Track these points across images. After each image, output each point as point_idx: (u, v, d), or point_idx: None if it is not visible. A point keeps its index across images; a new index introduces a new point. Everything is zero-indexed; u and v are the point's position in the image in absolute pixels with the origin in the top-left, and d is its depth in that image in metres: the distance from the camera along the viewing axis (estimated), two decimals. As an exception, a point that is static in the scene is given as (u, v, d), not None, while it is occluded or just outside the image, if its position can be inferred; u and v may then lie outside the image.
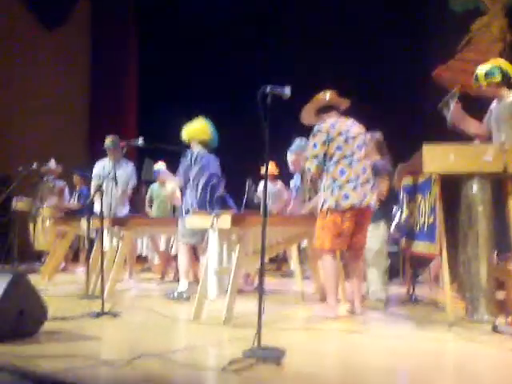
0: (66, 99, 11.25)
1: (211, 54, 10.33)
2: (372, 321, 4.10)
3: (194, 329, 3.83)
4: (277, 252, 5.19)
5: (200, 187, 5.22)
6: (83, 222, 5.59)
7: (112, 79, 11.56)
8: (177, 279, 6.97)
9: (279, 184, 8.12)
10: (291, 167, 6.88)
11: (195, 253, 5.51)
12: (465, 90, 6.11)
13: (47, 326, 3.48)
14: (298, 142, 5.80)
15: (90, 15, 12.06)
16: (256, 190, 7.93)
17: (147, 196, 8.15)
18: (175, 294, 5.11)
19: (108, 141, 6.26)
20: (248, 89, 3.66)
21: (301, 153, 5.75)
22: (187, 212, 5.20)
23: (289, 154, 6.87)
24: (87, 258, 8.32)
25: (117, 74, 11.63)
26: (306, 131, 4.27)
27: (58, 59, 11.15)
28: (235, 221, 3.85)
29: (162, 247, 7.54)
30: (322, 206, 4.21)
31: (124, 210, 6.37)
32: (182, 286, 5.15)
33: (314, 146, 4.17)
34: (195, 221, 4.19)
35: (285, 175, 7.36)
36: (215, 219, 3.90)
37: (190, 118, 5.55)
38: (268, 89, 3.01)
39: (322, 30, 9.20)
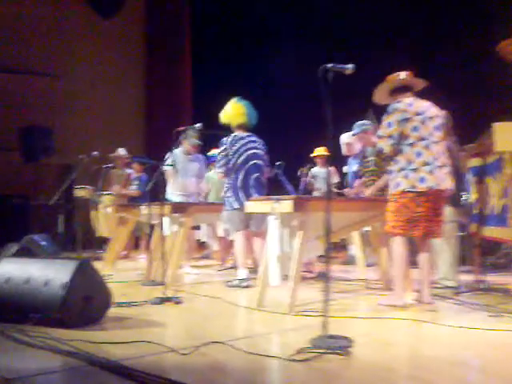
0: (122, 89, 11.44)
1: (266, 41, 10.18)
2: (441, 310, 3.92)
3: (257, 316, 3.78)
4: (341, 237, 5.04)
5: (234, 172, 5.17)
6: (144, 209, 5.63)
7: (167, 67, 11.63)
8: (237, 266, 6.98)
9: (330, 168, 7.91)
10: (346, 151, 6.71)
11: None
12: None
13: (112, 312, 3.53)
14: (360, 123, 5.62)
15: (144, 2, 12.16)
16: (306, 175, 7.82)
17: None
18: (234, 283, 5.08)
19: (196, 137, 6.28)
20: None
21: (363, 135, 5.59)
22: (225, 201, 5.21)
23: (345, 137, 6.69)
24: (148, 245, 8.57)
25: (172, 61, 11.69)
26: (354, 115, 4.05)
27: (113, 48, 11.34)
28: (298, 205, 3.75)
29: (221, 233, 7.55)
30: (395, 188, 4.04)
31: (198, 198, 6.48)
32: (241, 273, 5.11)
33: (389, 124, 3.97)
34: (254, 206, 4.10)
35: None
36: (276, 204, 3.81)
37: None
38: (329, 65, 2.89)
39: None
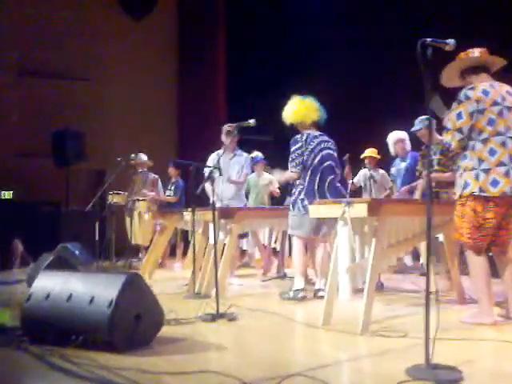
0: (154, 92, 11.12)
1: (300, 39, 9.72)
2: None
3: (327, 337, 3.29)
4: (414, 246, 4.51)
5: (309, 172, 4.67)
6: (187, 215, 5.20)
7: (200, 69, 11.25)
8: (281, 275, 6.50)
9: (381, 171, 7.40)
10: (398, 150, 6.20)
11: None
12: None
13: (162, 330, 3.08)
14: (422, 118, 5.12)
15: (176, 2, 11.84)
16: (353, 177, 7.30)
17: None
18: (290, 294, 4.60)
19: (225, 129, 5.79)
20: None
21: (426, 131, 5.09)
22: (295, 202, 4.69)
23: (395, 136, 6.18)
24: (184, 253, 8.17)
25: (205, 63, 11.30)
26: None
27: (145, 50, 11.04)
28: (372, 209, 3.26)
29: (264, 241, 7.10)
30: (462, 189, 3.50)
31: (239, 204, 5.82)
32: (298, 283, 4.62)
33: (459, 116, 3.41)
34: (321, 210, 3.62)
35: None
36: (347, 208, 3.33)
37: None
38: (428, 40, 2.42)
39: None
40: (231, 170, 5.69)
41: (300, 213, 4.66)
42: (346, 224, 3.37)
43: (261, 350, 2.98)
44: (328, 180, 4.72)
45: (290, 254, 7.03)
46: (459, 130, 3.42)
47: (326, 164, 4.73)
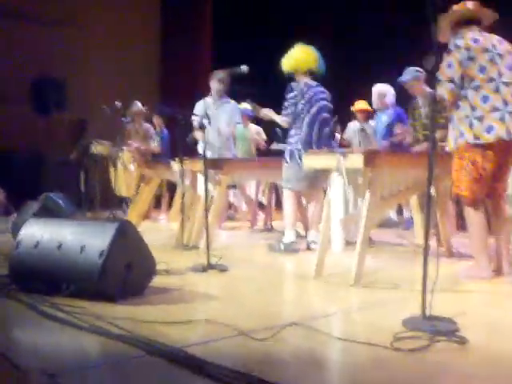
0: (138, 40, 10.77)
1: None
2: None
3: (321, 289, 3.27)
4: (405, 199, 4.49)
5: (306, 122, 4.57)
6: (175, 165, 5.09)
7: (185, 17, 10.88)
8: (268, 228, 6.48)
9: (372, 123, 7.32)
10: (378, 103, 6.09)
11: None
12: None
13: (152, 281, 3.03)
14: (411, 69, 5.02)
15: None
16: (342, 130, 7.24)
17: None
18: (281, 246, 4.57)
19: (217, 75, 5.54)
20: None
21: (414, 83, 5.02)
22: (292, 153, 4.60)
23: (379, 88, 6.04)
24: (169, 205, 8.08)
25: (190, 12, 10.93)
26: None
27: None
28: (368, 160, 3.20)
29: (251, 193, 7.05)
30: (456, 141, 3.42)
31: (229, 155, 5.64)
32: (289, 236, 4.58)
33: (449, 65, 3.32)
34: (315, 161, 3.55)
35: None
36: (342, 158, 3.26)
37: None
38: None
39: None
40: (220, 118, 5.51)
41: (298, 164, 4.53)
42: (341, 175, 3.31)
43: (253, 300, 2.96)
44: (325, 132, 4.65)
45: (276, 206, 7.01)
46: (451, 80, 3.35)
47: (323, 115, 4.64)
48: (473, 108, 3.33)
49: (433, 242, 4.64)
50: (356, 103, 6.79)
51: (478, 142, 3.30)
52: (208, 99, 5.52)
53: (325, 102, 4.67)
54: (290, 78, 4.73)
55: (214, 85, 5.42)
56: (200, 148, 5.66)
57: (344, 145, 6.98)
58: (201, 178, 4.80)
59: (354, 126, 6.95)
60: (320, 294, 3.18)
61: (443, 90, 3.35)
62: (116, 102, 6.42)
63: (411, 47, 5.02)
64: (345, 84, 7.67)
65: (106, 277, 2.67)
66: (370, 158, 3.22)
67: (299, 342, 2.16)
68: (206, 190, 3.81)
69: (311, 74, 4.67)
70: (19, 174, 8.81)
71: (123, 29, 10.45)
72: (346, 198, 3.38)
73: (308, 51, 4.69)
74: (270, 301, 2.94)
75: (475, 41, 3.33)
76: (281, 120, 4.63)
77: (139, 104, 7.59)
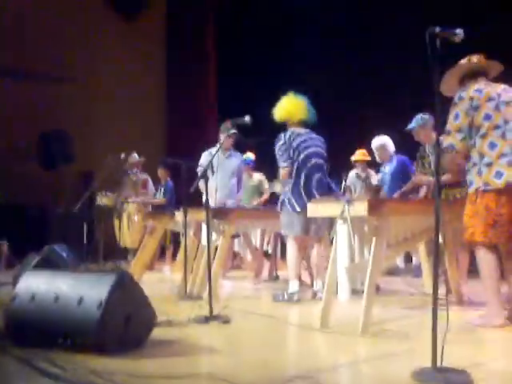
0: (144, 94, 10.97)
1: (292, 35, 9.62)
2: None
3: (327, 340, 3.15)
4: (412, 247, 4.40)
5: (294, 170, 4.58)
6: (178, 215, 5.06)
7: (190, 71, 11.11)
8: (273, 278, 6.37)
9: (371, 172, 7.29)
10: (380, 155, 6.06)
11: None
12: None
13: (152, 332, 2.93)
14: (419, 116, 5.02)
15: (166, 3, 11.71)
16: (345, 179, 7.19)
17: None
18: (285, 296, 4.47)
19: (231, 126, 5.60)
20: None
21: (421, 130, 5.01)
22: (283, 202, 4.61)
23: (378, 141, 6.02)
24: (174, 256, 8.01)
25: (195, 64, 11.17)
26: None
27: (134, 52, 10.86)
28: (373, 208, 3.15)
29: (256, 243, 6.97)
30: (468, 188, 3.45)
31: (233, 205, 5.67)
32: (292, 286, 4.49)
33: (456, 117, 3.39)
34: (318, 208, 3.50)
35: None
36: (346, 206, 3.21)
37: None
38: (437, 29, 2.32)
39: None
40: (226, 169, 5.51)
41: (288, 211, 4.58)
42: (346, 223, 3.25)
43: (256, 353, 2.84)
44: (315, 178, 4.62)
45: (281, 256, 6.91)
46: (459, 130, 3.39)
47: (312, 161, 4.63)
48: (481, 156, 3.36)
49: (442, 290, 4.58)
50: (356, 153, 6.80)
51: (488, 188, 3.30)
52: (213, 150, 5.54)
53: (314, 149, 4.67)
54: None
55: (223, 137, 5.44)
56: (204, 198, 5.66)
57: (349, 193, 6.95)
58: (204, 228, 4.75)
59: (352, 174, 6.95)
60: (326, 345, 3.07)
61: (453, 141, 3.38)
62: (121, 154, 6.46)
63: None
64: (343, 134, 7.74)
65: (105, 329, 2.58)
66: (375, 206, 3.17)
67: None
68: (209, 240, 3.74)
69: (302, 124, 4.71)
70: (25, 226, 8.79)
71: (129, 82, 10.65)
72: (352, 246, 3.31)
73: (296, 102, 4.73)
74: (275, 354, 2.83)
75: (479, 91, 3.39)
76: (283, 173, 4.62)
77: (135, 155, 7.65)
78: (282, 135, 4.64)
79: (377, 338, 3.05)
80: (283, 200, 4.67)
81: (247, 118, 3.86)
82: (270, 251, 6.98)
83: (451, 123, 3.43)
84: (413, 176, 5.86)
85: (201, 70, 11.24)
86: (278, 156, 4.65)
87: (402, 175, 5.94)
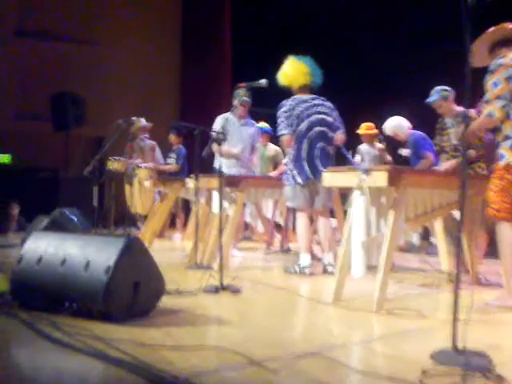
0: (158, 58, 10.79)
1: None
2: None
3: (339, 316, 3.05)
4: (430, 222, 4.26)
5: (295, 139, 4.42)
6: (190, 183, 4.95)
7: (205, 36, 10.87)
8: (285, 249, 6.28)
9: (379, 145, 7.09)
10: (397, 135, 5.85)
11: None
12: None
13: (161, 301, 2.86)
14: (439, 89, 4.82)
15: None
16: (354, 154, 7.01)
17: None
18: (297, 269, 4.38)
19: (243, 94, 5.40)
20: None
21: (442, 103, 4.81)
22: (286, 172, 4.49)
23: (388, 128, 5.80)
24: (185, 223, 7.94)
25: (210, 30, 10.92)
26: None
27: (150, 15, 10.69)
28: (393, 178, 3.01)
29: (267, 213, 6.86)
30: (498, 162, 3.28)
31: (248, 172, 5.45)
32: (304, 259, 4.39)
33: (495, 84, 3.18)
34: (334, 178, 3.35)
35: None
36: (364, 176, 3.08)
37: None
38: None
39: None
40: (244, 132, 5.33)
41: (291, 183, 4.45)
42: (363, 194, 3.12)
43: (267, 326, 2.76)
44: (318, 147, 4.44)
45: (293, 228, 6.81)
46: (499, 98, 3.20)
47: (315, 130, 4.44)
48: None
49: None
50: (362, 126, 6.60)
51: None
52: (229, 116, 5.37)
53: (317, 116, 4.47)
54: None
55: (236, 103, 5.25)
56: (217, 163, 5.53)
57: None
58: (216, 196, 4.65)
59: (363, 148, 6.78)
60: (339, 321, 2.97)
61: (493, 109, 3.20)
62: (133, 118, 6.32)
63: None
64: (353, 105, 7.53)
65: (112, 296, 2.50)
66: (395, 176, 3.03)
67: (316, 374, 1.95)
68: (221, 208, 3.64)
69: (306, 88, 4.52)
70: (36, 189, 8.76)
71: (145, 50, 10.48)
72: (369, 219, 3.18)
73: (297, 66, 4.52)
74: (285, 327, 2.74)
75: None
76: (284, 140, 4.46)
77: (143, 120, 7.50)
78: (284, 101, 4.47)
79: (392, 315, 2.94)
80: (286, 171, 4.54)
81: (264, 81, 3.70)
82: (281, 223, 6.88)
83: (491, 90, 3.22)
84: (425, 154, 5.66)
85: (216, 38, 10.97)
86: (279, 122, 4.48)
87: (415, 155, 5.76)
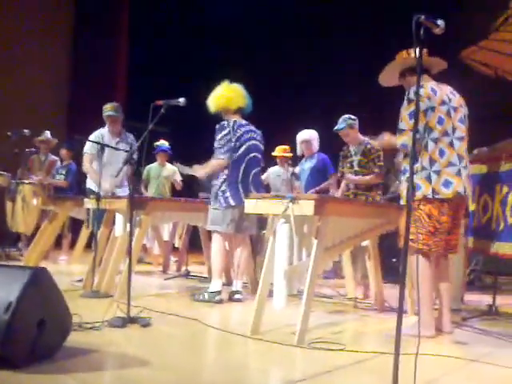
0: (46, 64, 10.09)
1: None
2: (470, 342, 3.24)
3: (260, 349, 2.85)
4: (351, 247, 4.22)
5: (233, 162, 4.31)
6: (88, 203, 4.56)
7: (99, 40, 10.33)
8: (184, 273, 6.02)
9: (290, 169, 7.16)
10: (304, 149, 5.95)
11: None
12: (499, 74, 5.32)
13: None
14: (346, 117, 4.94)
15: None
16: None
17: (143, 176, 7.06)
18: (205, 296, 4.17)
19: (109, 108, 5.17)
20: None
21: (349, 131, 4.95)
22: (216, 195, 4.31)
23: (303, 135, 5.89)
24: (71, 245, 7.36)
25: (105, 34, 10.41)
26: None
27: (38, 19, 9.97)
28: (319, 207, 2.94)
29: (166, 237, 6.60)
30: (413, 194, 3.28)
31: (122, 192, 5.10)
32: (215, 285, 4.20)
33: (411, 115, 3.22)
34: (259, 205, 3.21)
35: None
36: (290, 204, 2.98)
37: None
38: (422, 17, 2.15)
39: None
40: (119, 152, 4.90)
41: (222, 206, 4.29)
42: (288, 222, 3.01)
43: (186, 364, 2.52)
44: (253, 172, 4.43)
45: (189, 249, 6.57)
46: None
47: (251, 155, 4.42)
48: (431, 161, 3.27)
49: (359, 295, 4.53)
50: (277, 148, 6.62)
51: (436, 196, 3.24)
52: (104, 131, 5.19)
53: (254, 142, 4.46)
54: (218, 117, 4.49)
55: (105, 120, 5.15)
56: (89, 182, 5.29)
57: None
58: (119, 218, 4.33)
59: (274, 170, 6.76)
60: (260, 356, 2.80)
61: (408, 140, 3.21)
62: (25, 130, 5.77)
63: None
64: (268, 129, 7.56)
65: (13, 338, 2.13)
66: (320, 205, 2.96)
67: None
68: (131, 232, 3.35)
69: (240, 112, 4.46)
70: None
71: (30, 52, 9.74)
72: (292, 248, 3.08)
73: (236, 89, 4.49)
74: (205, 364, 2.55)
75: (434, 92, 3.29)
76: (218, 163, 4.30)
77: (48, 133, 6.95)
78: (226, 123, 4.34)
79: (315, 350, 2.83)
80: (216, 192, 4.36)
81: (182, 100, 3.50)
82: (178, 245, 6.63)
83: (407, 120, 3.25)
84: (331, 175, 5.86)
85: (111, 36, 10.51)
86: (217, 145, 4.33)
87: (321, 173, 5.88)
